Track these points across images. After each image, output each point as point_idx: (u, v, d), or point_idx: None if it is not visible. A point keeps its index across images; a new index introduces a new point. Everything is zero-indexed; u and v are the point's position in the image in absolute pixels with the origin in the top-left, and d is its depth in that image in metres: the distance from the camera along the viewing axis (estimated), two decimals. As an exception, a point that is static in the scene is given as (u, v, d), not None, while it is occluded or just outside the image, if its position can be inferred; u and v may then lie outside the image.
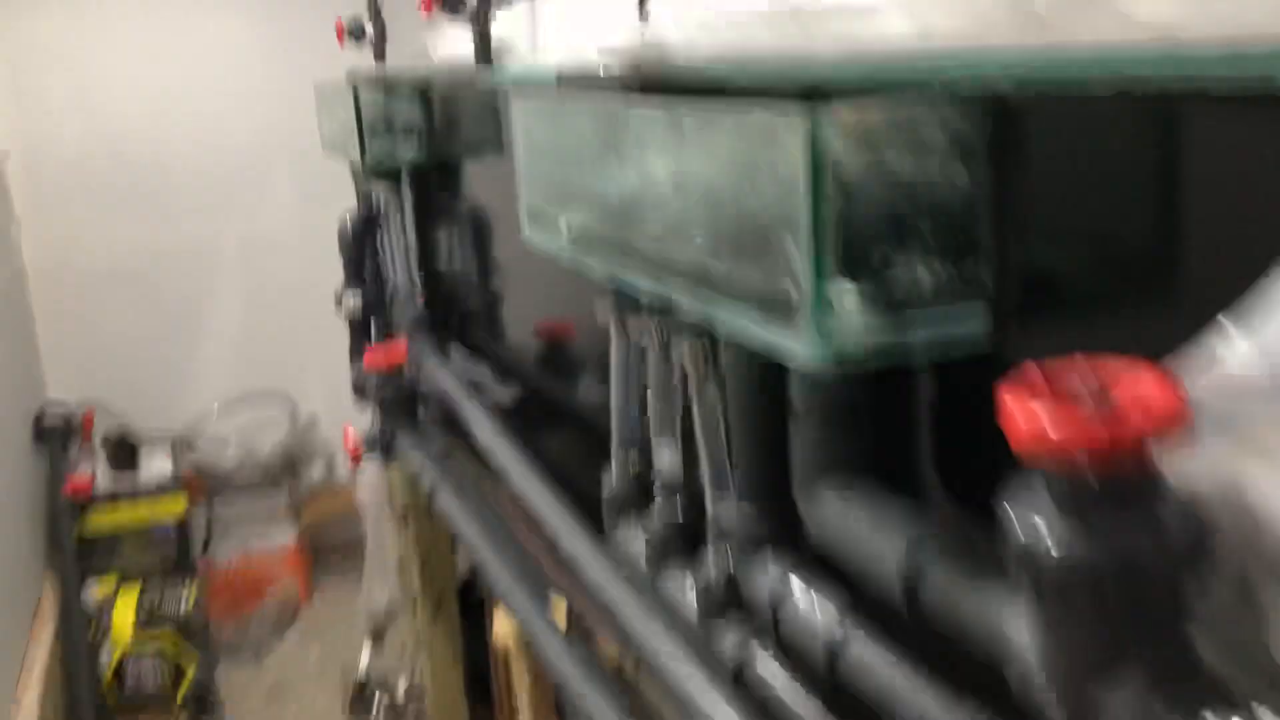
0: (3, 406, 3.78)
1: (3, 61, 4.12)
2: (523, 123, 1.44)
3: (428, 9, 2.59)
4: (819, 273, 0.82)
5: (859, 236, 0.84)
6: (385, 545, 3.35)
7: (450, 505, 2.19)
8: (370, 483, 3.49)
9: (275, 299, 4.46)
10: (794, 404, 1.05)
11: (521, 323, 2.62)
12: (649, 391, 1.42)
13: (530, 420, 2.65)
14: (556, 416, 2.34)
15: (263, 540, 4.45)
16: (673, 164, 1.03)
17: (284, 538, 4.49)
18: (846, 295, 0.84)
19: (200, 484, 4.29)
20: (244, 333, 4.56)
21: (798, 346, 0.84)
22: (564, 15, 1.96)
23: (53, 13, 4.14)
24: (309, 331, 4.05)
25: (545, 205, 1.39)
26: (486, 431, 2.20)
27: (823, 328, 0.81)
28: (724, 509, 1.24)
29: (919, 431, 1.02)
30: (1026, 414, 0.65)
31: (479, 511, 2.18)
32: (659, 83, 1.39)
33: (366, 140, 2.67)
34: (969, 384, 0.87)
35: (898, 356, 0.84)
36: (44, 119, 4.20)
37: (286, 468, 4.57)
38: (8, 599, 3.28)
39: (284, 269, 4.40)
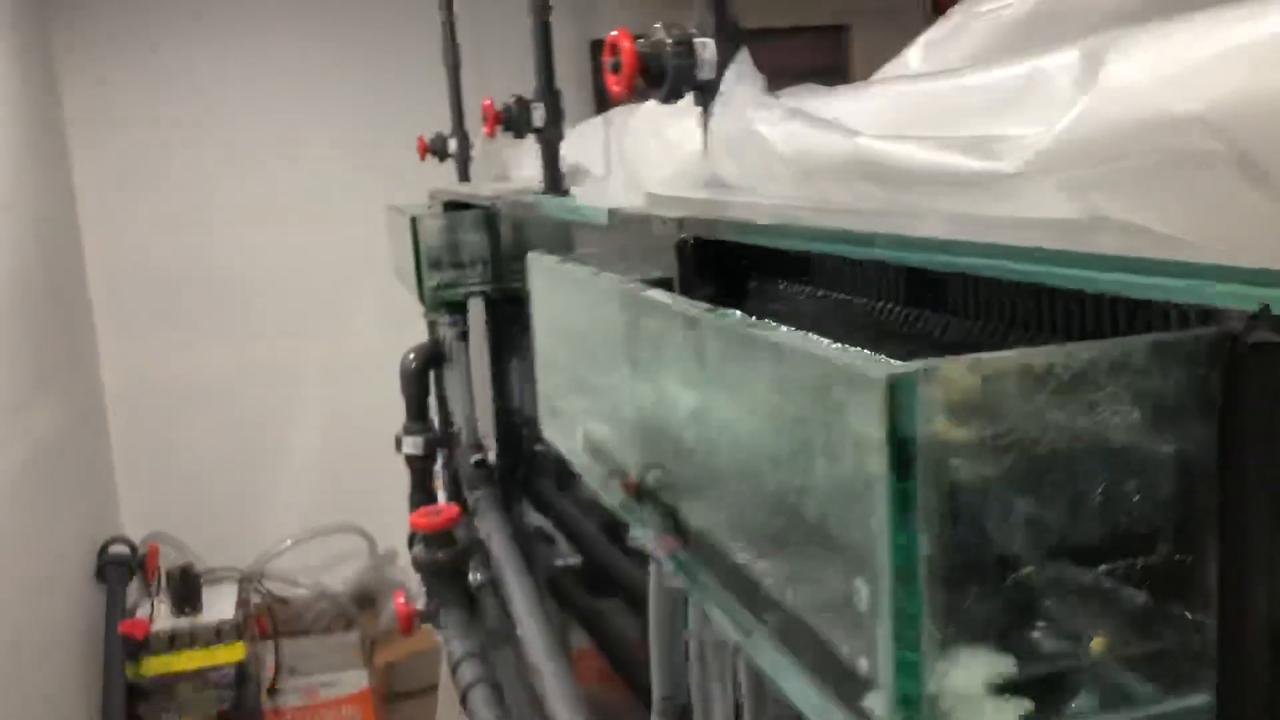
0: (69, 539, 3.60)
1: (91, 178, 4.04)
2: (539, 290, 1.12)
3: (489, 129, 2.33)
4: (905, 639, 0.46)
5: (981, 572, 0.48)
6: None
7: (481, 713, 1.83)
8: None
9: (355, 426, 4.21)
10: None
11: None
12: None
13: (595, 589, 2.30)
14: (622, 586, 1.99)
15: (332, 684, 4.13)
16: (695, 395, 0.68)
17: (355, 681, 4.17)
18: (958, 673, 0.47)
19: (267, 623, 4.03)
20: (321, 462, 4.33)
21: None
22: (642, 133, 1.65)
23: (140, 130, 4.06)
24: (389, 460, 3.76)
25: (561, 401, 1.06)
26: (524, 614, 1.85)
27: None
28: None
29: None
30: None
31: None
32: (713, 243, 1.05)
33: (425, 272, 2.40)
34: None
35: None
36: (129, 237, 4.09)
37: (361, 606, 4.28)
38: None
39: (365, 395, 4.13)
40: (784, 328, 0.55)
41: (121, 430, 4.14)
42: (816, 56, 4.49)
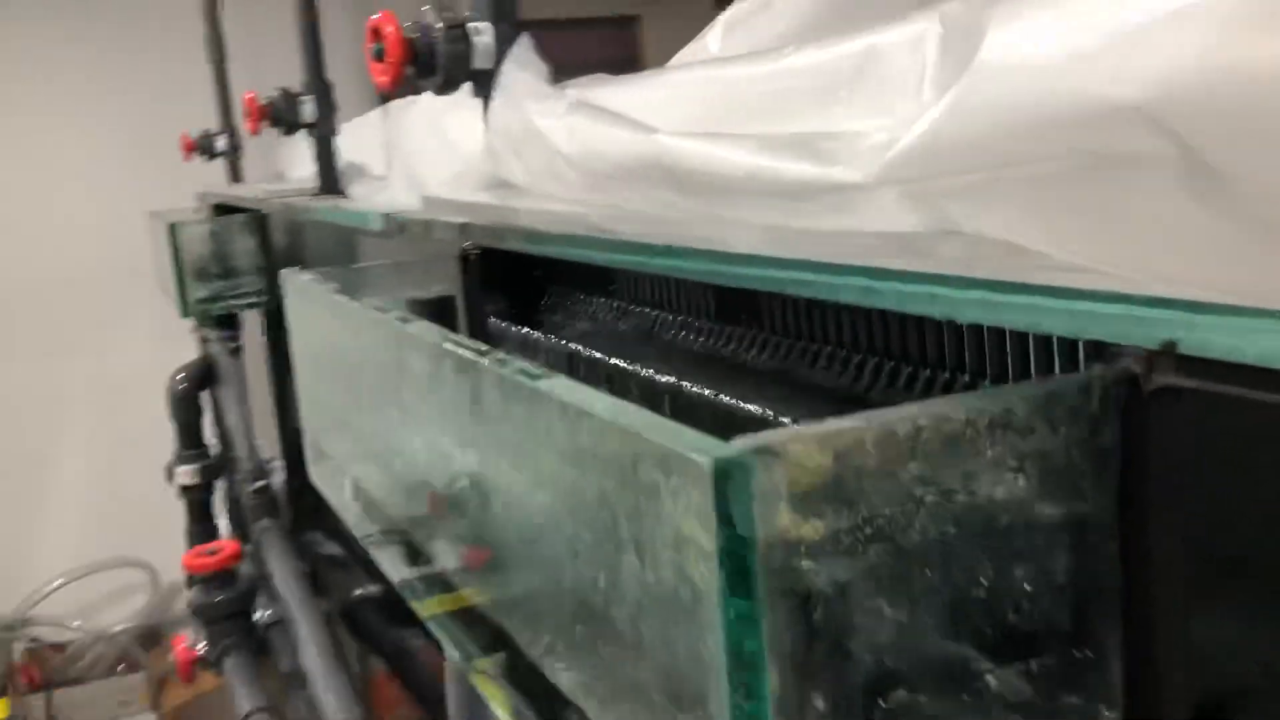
0: None
1: None
2: (297, 313, 0.96)
3: (253, 126, 2.12)
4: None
5: (845, 702, 0.37)
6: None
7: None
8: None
9: (131, 450, 3.85)
10: None
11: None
12: None
13: (395, 618, 2.14)
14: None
15: (117, 733, 3.80)
16: (473, 455, 0.55)
17: (143, 728, 3.84)
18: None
19: (37, 673, 3.65)
20: (93, 491, 3.95)
21: None
22: (422, 128, 1.50)
23: None
24: (169, 487, 3.43)
25: (327, 443, 0.91)
26: (312, 660, 1.69)
27: None
28: None
29: None
30: None
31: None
32: (501, 253, 0.93)
33: (188, 284, 2.16)
34: None
35: None
36: None
37: (146, 645, 3.94)
38: None
39: (140, 416, 3.78)
40: (578, 386, 0.43)
41: None
42: (605, 49, 4.38)
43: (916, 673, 0.37)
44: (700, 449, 0.34)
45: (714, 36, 0.69)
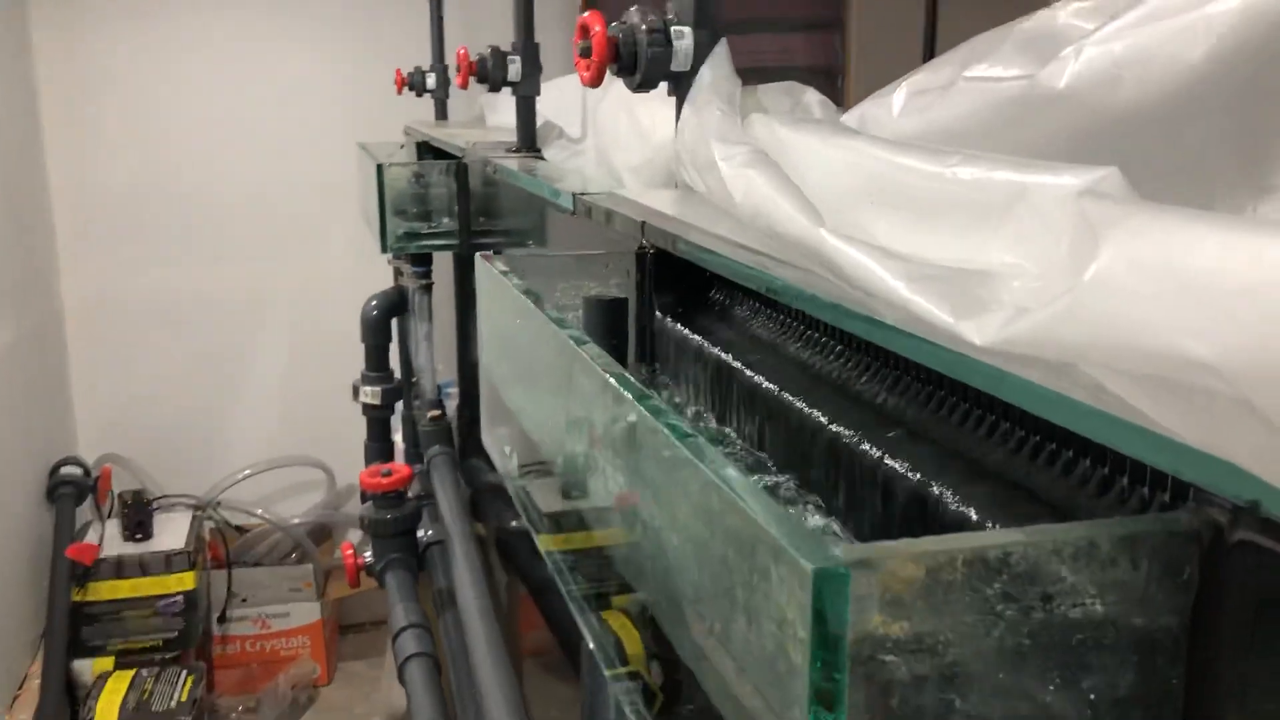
0: (19, 458, 3.53)
1: (59, 88, 3.89)
2: (485, 295, 1.05)
3: (463, 81, 2.23)
4: None
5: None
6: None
7: (417, 687, 1.79)
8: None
9: (321, 358, 4.12)
10: None
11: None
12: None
13: (531, 559, 2.27)
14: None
15: (283, 614, 4.11)
16: (623, 476, 0.62)
17: (307, 613, 4.15)
18: None
19: (221, 551, 3.98)
20: (284, 392, 4.25)
21: None
22: (616, 108, 1.57)
23: (113, 42, 3.90)
24: (351, 399, 3.66)
25: (499, 416, 0.99)
26: (466, 586, 1.81)
27: None
28: None
29: None
30: None
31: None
32: (668, 261, 0.99)
33: (390, 221, 2.31)
34: None
35: None
36: (96, 151, 3.95)
37: (317, 540, 4.24)
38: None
39: (333, 327, 4.02)
40: (718, 454, 0.49)
41: (80, 349, 4.05)
42: (813, 6, 4.33)
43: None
44: (807, 552, 0.39)
45: (897, 99, 0.73)
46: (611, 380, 0.61)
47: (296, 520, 4.18)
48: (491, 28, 2.79)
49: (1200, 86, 0.44)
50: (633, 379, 0.60)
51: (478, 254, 1.05)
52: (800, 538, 0.41)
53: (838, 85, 3.72)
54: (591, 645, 0.79)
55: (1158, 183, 0.46)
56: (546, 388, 0.79)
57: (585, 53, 1.19)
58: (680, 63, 1.18)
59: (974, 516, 0.55)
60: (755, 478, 0.50)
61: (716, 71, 1.09)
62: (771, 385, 0.81)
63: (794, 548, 0.40)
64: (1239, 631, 0.42)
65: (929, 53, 3.38)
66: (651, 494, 0.57)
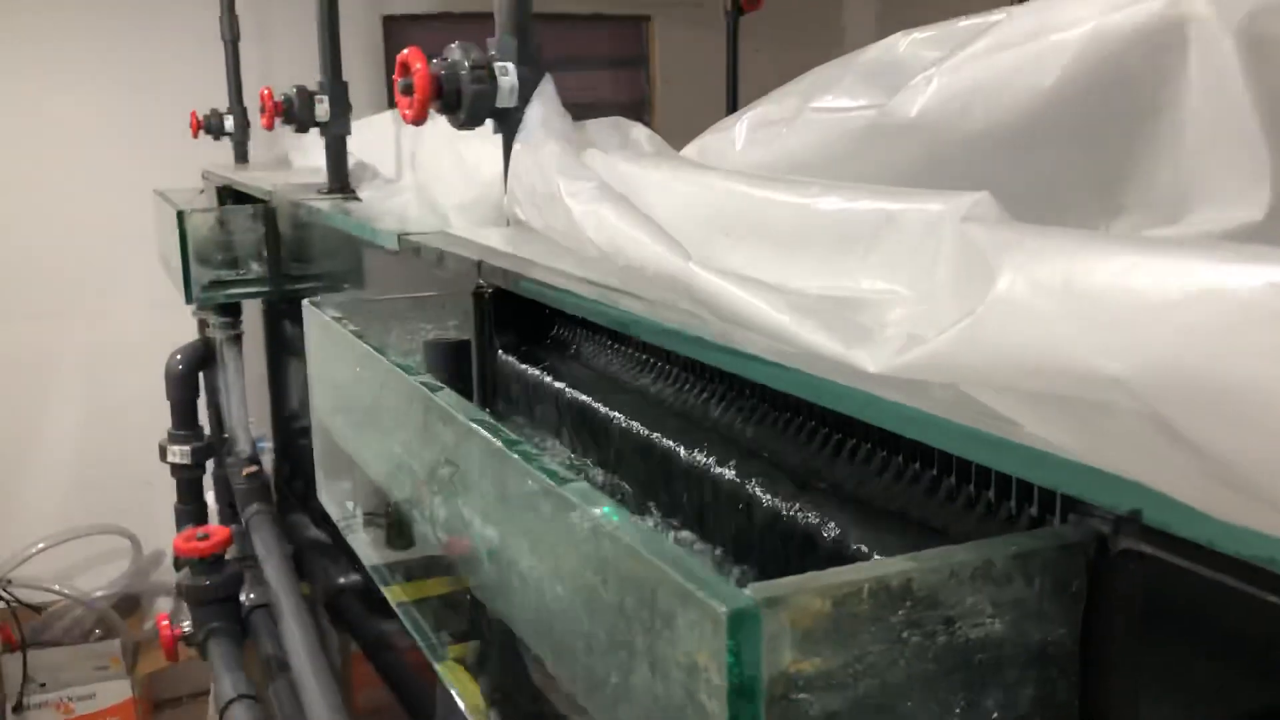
0: None
1: None
2: (315, 343, 1.00)
3: (268, 122, 2.15)
4: None
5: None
6: None
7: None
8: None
9: (119, 418, 3.89)
10: None
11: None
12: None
13: (375, 608, 2.19)
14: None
15: (89, 696, 3.83)
16: (495, 532, 0.60)
17: (117, 692, 3.87)
18: None
19: (14, 633, 3.68)
20: (80, 457, 3.97)
21: None
22: (439, 145, 1.53)
23: None
24: (156, 455, 3.44)
25: (336, 470, 0.95)
26: (298, 650, 1.73)
27: None
28: None
29: None
30: None
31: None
32: (508, 298, 0.97)
33: (193, 270, 2.19)
34: None
35: None
36: None
37: (124, 612, 3.97)
38: None
39: (130, 385, 3.80)
40: (602, 497, 0.47)
41: None
42: (616, 46, 4.42)
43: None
44: (718, 595, 0.38)
45: (739, 131, 0.73)
46: (478, 427, 0.58)
47: (100, 593, 3.91)
48: (289, 65, 2.70)
49: (1050, 111, 0.46)
50: (503, 427, 0.58)
51: (305, 301, 1.00)
52: (707, 580, 0.40)
53: (645, 120, 3.79)
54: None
55: (1012, 205, 0.47)
56: (398, 438, 0.76)
57: (406, 90, 1.16)
58: (505, 99, 1.17)
59: (837, 535, 0.55)
60: (640, 518, 0.48)
61: (547, 107, 1.08)
62: (620, 416, 0.80)
63: (705, 594, 0.39)
64: (1127, 639, 0.43)
65: (732, 87, 3.48)
66: (527, 542, 0.54)
